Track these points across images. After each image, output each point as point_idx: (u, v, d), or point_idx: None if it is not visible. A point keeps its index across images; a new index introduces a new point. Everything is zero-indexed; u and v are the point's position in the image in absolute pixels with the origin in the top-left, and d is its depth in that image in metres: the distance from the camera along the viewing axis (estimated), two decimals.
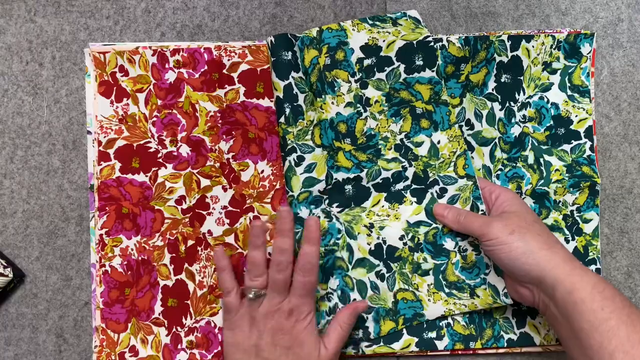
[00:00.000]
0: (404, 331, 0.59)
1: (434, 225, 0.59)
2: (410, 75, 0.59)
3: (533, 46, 0.60)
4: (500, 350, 0.60)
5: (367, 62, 0.59)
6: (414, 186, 0.60)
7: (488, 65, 0.60)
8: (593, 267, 0.60)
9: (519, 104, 0.61)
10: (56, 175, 0.60)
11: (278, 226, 0.55)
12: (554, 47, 0.60)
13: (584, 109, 0.61)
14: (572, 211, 0.60)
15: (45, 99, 0.60)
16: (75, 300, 0.60)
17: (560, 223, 0.60)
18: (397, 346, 0.59)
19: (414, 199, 0.60)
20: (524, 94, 0.61)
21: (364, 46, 0.59)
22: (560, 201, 0.60)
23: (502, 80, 0.61)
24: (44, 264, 0.60)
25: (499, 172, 0.60)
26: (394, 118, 0.59)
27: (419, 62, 0.59)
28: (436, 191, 0.59)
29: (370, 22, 0.59)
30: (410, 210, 0.59)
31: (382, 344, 0.59)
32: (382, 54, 0.59)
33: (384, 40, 0.58)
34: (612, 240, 0.61)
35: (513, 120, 0.61)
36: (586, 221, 0.60)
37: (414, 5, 0.62)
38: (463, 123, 0.60)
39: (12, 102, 0.60)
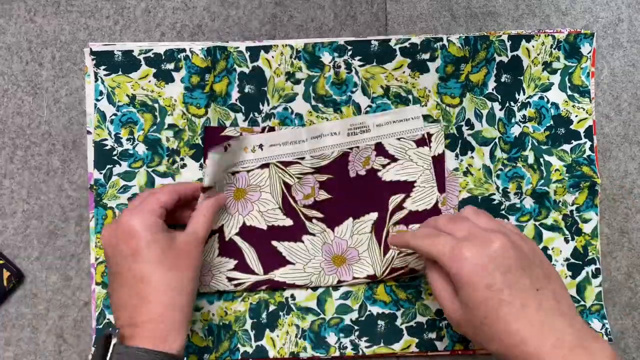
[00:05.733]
0: (404, 332, 0.59)
1: None
2: None
3: (533, 46, 0.60)
4: None
5: None
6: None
7: (488, 65, 0.60)
8: (592, 267, 0.60)
9: (519, 104, 0.61)
10: (56, 175, 0.60)
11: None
12: (554, 47, 0.60)
13: (584, 109, 0.61)
14: (571, 211, 0.60)
15: (45, 99, 0.60)
16: (75, 300, 0.60)
17: (559, 223, 0.60)
18: (397, 347, 0.59)
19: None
20: (524, 94, 0.61)
21: None
22: (560, 201, 0.60)
23: (502, 80, 0.61)
24: (44, 264, 0.60)
25: (499, 172, 0.60)
26: None
27: None
28: None
29: None
30: None
31: (382, 344, 0.59)
32: None
33: None
34: (612, 241, 0.61)
35: (513, 120, 0.61)
36: (585, 221, 0.60)
37: (413, 6, 0.62)
38: (463, 123, 0.60)
39: (12, 102, 0.60)
